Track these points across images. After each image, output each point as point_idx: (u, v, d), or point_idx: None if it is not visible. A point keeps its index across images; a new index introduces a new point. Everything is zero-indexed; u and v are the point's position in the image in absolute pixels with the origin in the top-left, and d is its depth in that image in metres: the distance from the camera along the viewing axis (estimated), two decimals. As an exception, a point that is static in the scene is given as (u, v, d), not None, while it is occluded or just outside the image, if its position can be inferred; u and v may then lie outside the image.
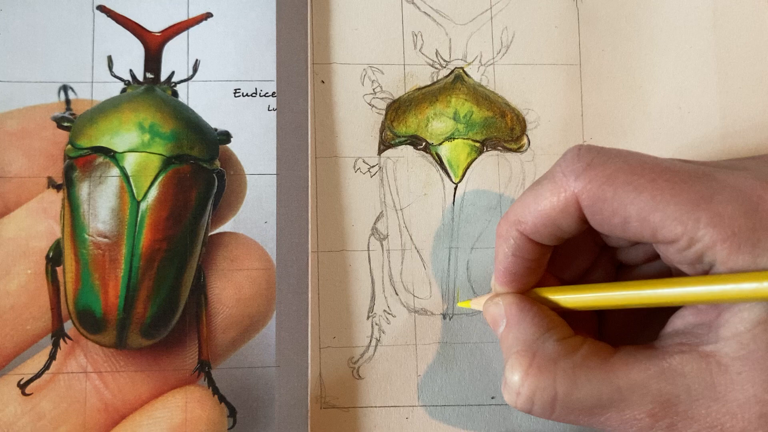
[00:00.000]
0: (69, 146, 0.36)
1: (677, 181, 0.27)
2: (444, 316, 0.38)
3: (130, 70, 0.38)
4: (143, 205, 0.36)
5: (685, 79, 0.40)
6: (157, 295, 0.35)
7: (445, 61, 0.39)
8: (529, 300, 0.31)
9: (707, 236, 0.26)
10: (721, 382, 0.26)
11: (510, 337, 0.30)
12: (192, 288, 0.36)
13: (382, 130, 0.39)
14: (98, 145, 0.36)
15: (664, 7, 0.41)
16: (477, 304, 0.35)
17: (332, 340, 0.37)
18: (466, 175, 0.39)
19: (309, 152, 0.38)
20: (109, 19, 0.38)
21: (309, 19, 0.39)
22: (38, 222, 0.36)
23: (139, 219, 0.35)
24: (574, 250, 0.33)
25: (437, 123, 0.39)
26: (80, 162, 0.36)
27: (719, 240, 0.25)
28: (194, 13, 0.38)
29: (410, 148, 0.39)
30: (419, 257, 0.38)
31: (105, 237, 0.35)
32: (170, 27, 0.38)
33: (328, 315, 0.37)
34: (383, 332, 0.38)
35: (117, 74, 0.38)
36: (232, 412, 0.36)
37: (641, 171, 0.27)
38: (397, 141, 0.39)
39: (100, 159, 0.36)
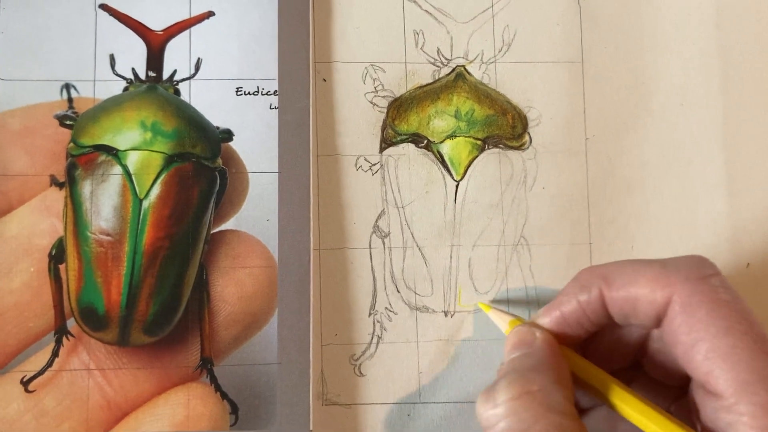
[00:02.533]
0: (71, 144, 0.36)
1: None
2: (445, 313, 0.38)
3: (133, 69, 0.38)
4: (145, 203, 0.36)
5: (688, 77, 0.40)
6: (160, 292, 0.36)
7: (446, 59, 0.39)
8: (560, 347, 0.30)
9: (754, 417, 0.25)
10: None
11: (524, 365, 0.29)
12: (194, 285, 0.36)
13: (383, 128, 0.39)
14: (101, 143, 0.36)
15: (667, 5, 0.41)
16: (499, 319, 0.35)
17: (334, 337, 0.37)
18: (468, 173, 0.39)
19: (311, 150, 0.38)
20: (111, 17, 0.38)
21: (311, 17, 0.39)
22: (41, 220, 0.36)
23: (141, 217, 0.36)
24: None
25: (439, 121, 0.39)
26: (83, 160, 0.36)
27: (761, 427, 0.25)
28: (196, 11, 0.39)
29: (412, 146, 0.39)
30: (421, 255, 0.38)
31: (107, 235, 0.35)
32: (172, 25, 0.38)
33: (329, 312, 0.38)
34: (385, 329, 0.38)
35: (119, 73, 0.38)
36: (234, 409, 0.36)
37: (743, 322, 0.27)
38: (398, 139, 0.39)
39: (103, 157, 0.36)
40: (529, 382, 0.28)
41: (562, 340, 0.31)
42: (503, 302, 0.38)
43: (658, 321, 0.29)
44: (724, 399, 0.26)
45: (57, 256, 0.36)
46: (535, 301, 0.38)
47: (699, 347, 0.27)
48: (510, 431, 0.27)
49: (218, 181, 0.37)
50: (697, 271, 0.28)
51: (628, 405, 0.29)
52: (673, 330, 0.28)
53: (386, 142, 0.39)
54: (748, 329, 0.26)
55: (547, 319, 0.31)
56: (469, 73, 0.39)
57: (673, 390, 0.31)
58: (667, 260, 0.29)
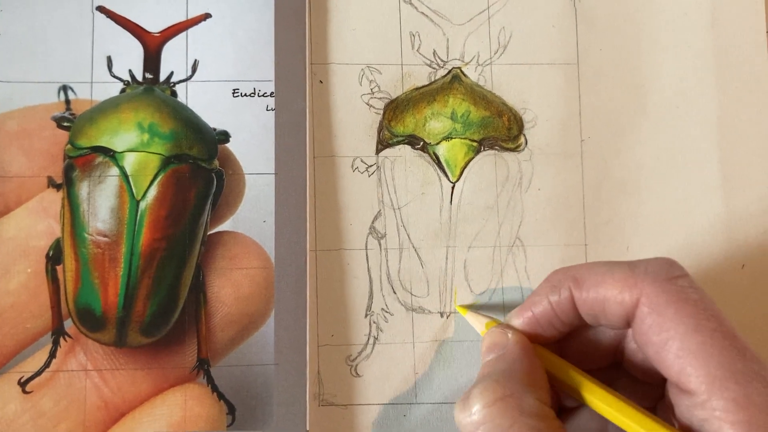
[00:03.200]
0: (69, 146, 0.36)
1: (732, 358, 0.26)
2: (441, 314, 0.38)
3: (130, 71, 0.38)
4: (142, 205, 0.36)
5: (684, 79, 0.40)
6: (157, 293, 0.36)
7: (442, 61, 0.40)
8: (533, 349, 0.31)
9: (727, 411, 0.25)
10: None
11: (497, 370, 0.29)
12: (191, 287, 0.36)
13: (380, 130, 0.39)
14: (98, 144, 0.36)
15: (663, 6, 0.41)
16: (475, 321, 0.35)
17: (330, 338, 0.38)
18: (464, 175, 0.39)
19: (307, 152, 0.38)
20: (108, 19, 0.38)
21: (307, 19, 0.39)
22: (38, 221, 0.36)
23: (138, 218, 0.36)
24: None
25: (435, 122, 0.39)
26: (80, 162, 0.36)
27: (734, 421, 0.25)
28: (193, 13, 0.39)
29: (408, 147, 0.39)
30: (417, 256, 0.38)
31: (105, 236, 0.36)
32: (169, 27, 0.38)
33: (326, 313, 0.38)
34: (381, 330, 0.38)
35: (116, 74, 0.38)
36: (231, 410, 0.36)
37: (712, 319, 0.27)
38: (394, 140, 0.39)
39: (100, 158, 0.36)
40: (501, 387, 0.28)
41: (536, 340, 0.31)
42: (498, 304, 0.38)
43: (627, 322, 0.29)
44: (697, 396, 0.26)
45: (54, 257, 0.36)
46: (531, 302, 0.38)
47: (669, 346, 0.27)
48: None
49: (215, 182, 0.37)
50: (664, 272, 0.28)
51: (603, 401, 0.29)
52: (643, 331, 0.28)
53: (382, 144, 0.39)
54: (717, 326, 0.27)
55: (519, 320, 0.31)
56: (465, 74, 0.40)
57: (654, 390, 0.31)
58: (636, 262, 0.29)
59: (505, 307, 0.38)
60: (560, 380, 0.30)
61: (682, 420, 0.28)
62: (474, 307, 0.38)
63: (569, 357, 0.32)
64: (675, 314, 0.27)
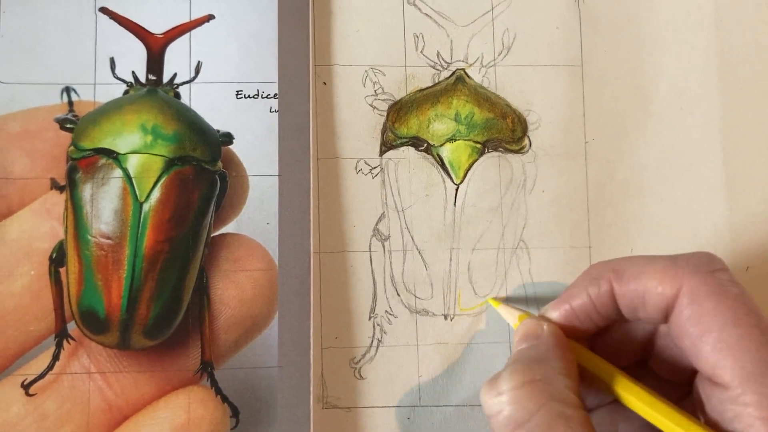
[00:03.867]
0: (72, 148, 0.36)
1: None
2: (445, 316, 0.38)
3: (133, 72, 0.38)
4: (146, 207, 0.36)
5: (687, 80, 0.40)
6: (160, 296, 0.36)
7: (446, 62, 0.39)
8: (568, 341, 0.30)
9: (760, 407, 0.25)
10: None
11: (530, 356, 0.29)
12: (194, 289, 0.36)
13: (383, 132, 0.39)
14: (101, 146, 0.36)
15: (666, 8, 0.41)
16: (508, 314, 0.35)
17: (334, 340, 0.38)
18: (468, 176, 0.39)
19: (311, 153, 0.38)
20: (111, 20, 0.38)
21: (311, 20, 0.39)
22: (41, 223, 0.36)
23: (141, 220, 0.36)
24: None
25: (438, 124, 0.39)
26: (83, 163, 0.36)
27: (766, 417, 0.25)
28: (196, 15, 0.39)
29: (412, 149, 0.39)
30: (420, 258, 0.38)
31: (108, 238, 0.35)
32: (172, 29, 0.38)
33: (329, 316, 0.38)
34: (385, 333, 0.38)
35: (119, 76, 0.38)
36: (235, 413, 0.36)
37: (751, 314, 0.27)
38: (398, 142, 0.39)
39: (103, 160, 0.36)
40: (532, 371, 0.28)
41: (571, 334, 0.31)
42: (503, 306, 0.38)
43: (666, 314, 0.29)
44: (730, 390, 0.26)
45: (57, 259, 0.36)
46: (534, 305, 0.38)
47: (707, 338, 0.27)
48: (512, 419, 0.27)
49: (218, 184, 0.37)
50: (705, 265, 0.28)
51: (636, 396, 0.29)
52: (681, 322, 0.28)
53: (386, 146, 0.39)
54: (756, 321, 0.27)
55: (556, 312, 0.31)
56: (468, 76, 0.40)
57: (678, 388, 0.31)
58: (676, 255, 0.29)
59: (509, 310, 0.38)
60: (592, 375, 0.30)
61: (711, 415, 0.28)
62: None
63: (598, 353, 0.32)
64: (714, 307, 0.27)
